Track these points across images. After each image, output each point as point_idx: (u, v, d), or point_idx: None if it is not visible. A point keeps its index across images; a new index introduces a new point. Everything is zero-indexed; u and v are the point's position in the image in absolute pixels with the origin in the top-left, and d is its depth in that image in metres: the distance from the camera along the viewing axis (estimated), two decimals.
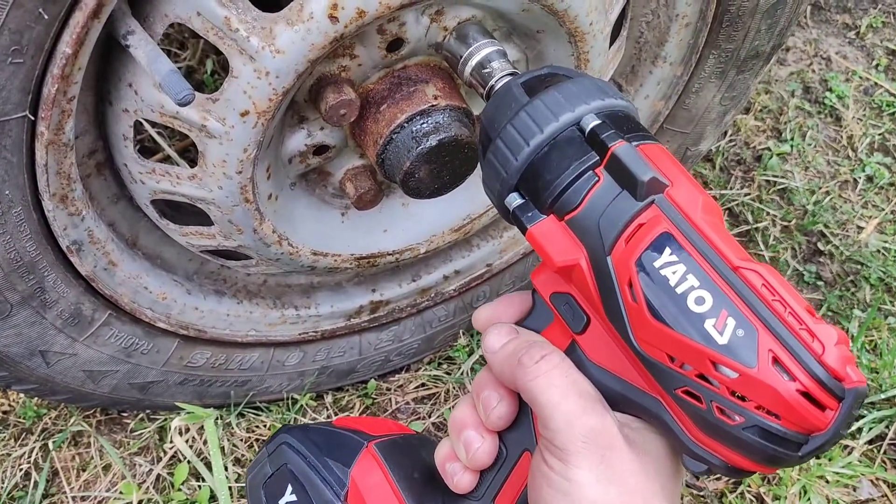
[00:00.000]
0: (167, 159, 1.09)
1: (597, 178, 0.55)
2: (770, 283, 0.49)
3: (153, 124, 1.04)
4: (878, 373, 1.29)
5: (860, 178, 1.60)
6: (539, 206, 0.57)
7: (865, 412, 1.25)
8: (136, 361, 0.98)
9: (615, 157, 0.54)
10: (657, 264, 0.51)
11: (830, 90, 1.75)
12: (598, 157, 0.55)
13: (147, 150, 1.14)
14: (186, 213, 0.91)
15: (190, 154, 1.14)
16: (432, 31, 0.84)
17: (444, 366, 1.30)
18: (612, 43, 0.96)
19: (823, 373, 0.46)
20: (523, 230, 0.58)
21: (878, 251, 1.49)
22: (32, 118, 0.68)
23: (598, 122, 0.56)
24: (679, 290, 0.50)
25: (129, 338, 0.95)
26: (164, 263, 0.98)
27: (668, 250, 0.51)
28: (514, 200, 0.59)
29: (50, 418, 1.15)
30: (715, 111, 1.12)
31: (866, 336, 1.34)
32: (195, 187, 0.82)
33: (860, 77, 1.79)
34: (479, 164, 0.90)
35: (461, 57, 0.81)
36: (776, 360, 0.47)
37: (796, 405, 0.46)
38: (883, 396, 1.26)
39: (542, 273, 0.60)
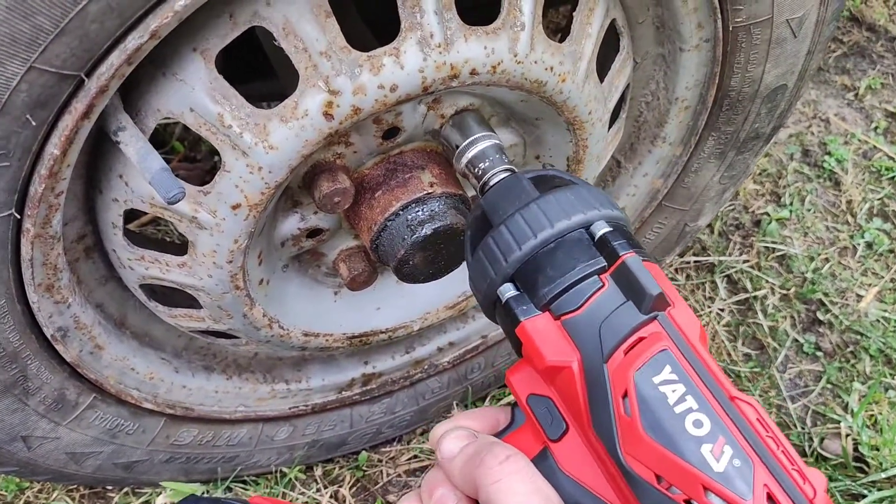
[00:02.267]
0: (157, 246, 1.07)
1: (601, 284, 0.54)
2: (763, 417, 0.49)
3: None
4: (878, 450, 1.27)
5: (860, 244, 1.59)
6: (534, 301, 0.56)
7: (866, 492, 1.23)
8: (120, 442, 0.96)
9: (625, 266, 0.53)
10: (656, 380, 0.50)
11: (829, 153, 1.74)
12: (605, 264, 0.55)
13: (134, 224, 1.13)
14: (176, 292, 0.89)
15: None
16: (429, 119, 0.83)
17: None
18: (611, 124, 0.95)
19: None
20: (514, 322, 0.56)
21: (878, 321, 1.47)
22: (18, 216, 0.66)
23: (609, 228, 0.56)
24: (677, 409, 0.49)
25: (115, 419, 0.93)
26: (152, 341, 0.96)
27: (668, 368, 0.50)
28: (507, 290, 0.57)
29: (32, 492, 1.12)
30: (714, 189, 1.11)
31: (866, 411, 1.32)
32: (184, 275, 0.80)
33: (859, 140, 1.78)
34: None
35: (457, 147, 0.80)
36: (770, 497, 0.46)
37: None
38: (883, 475, 1.24)
39: (519, 372, 0.58)
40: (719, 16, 0.86)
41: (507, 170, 0.74)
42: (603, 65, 0.88)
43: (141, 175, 0.69)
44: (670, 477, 0.48)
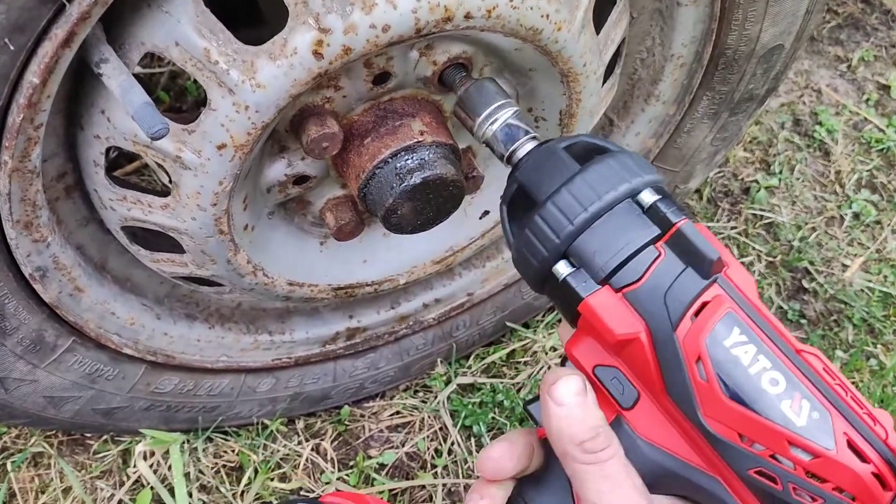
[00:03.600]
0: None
1: (658, 253, 0.54)
2: (828, 366, 0.51)
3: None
4: None
5: (847, 214, 1.59)
6: (592, 275, 0.55)
7: None
8: (100, 388, 0.95)
9: (681, 233, 0.53)
10: (727, 343, 0.51)
11: (820, 124, 1.73)
12: (659, 232, 0.54)
13: (119, 173, 1.11)
14: (160, 234, 0.87)
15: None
16: (421, 65, 0.81)
17: (421, 394, 1.27)
18: (605, 80, 0.94)
19: (891, 455, 0.49)
20: (576, 299, 0.55)
21: (863, 290, 1.48)
22: None
23: (657, 196, 0.55)
24: (752, 370, 0.50)
25: (94, 364, 0.92)
26: (133, 287, 0.95)
27: (736, 330, 0.51)
28: (564, 268, 0.56)
29: (10, 437, 1.11)
30: (706, 151, 1.10)
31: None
32: (168, 217, 0.78)
33: (850, 111, 1.78)
34: (463, 202, 0.89)
35: (479, 116, 0.73)
36: (850, 444, 0.49)
37: (872, 487, 0.48)
38: None
39: (580, 343, 0.57)
40: None
41: (533, 138, 0.69)
42: (599, 19, 0.86)
43: (123, 109, 0.67)
44: (753, 435, 0.50)
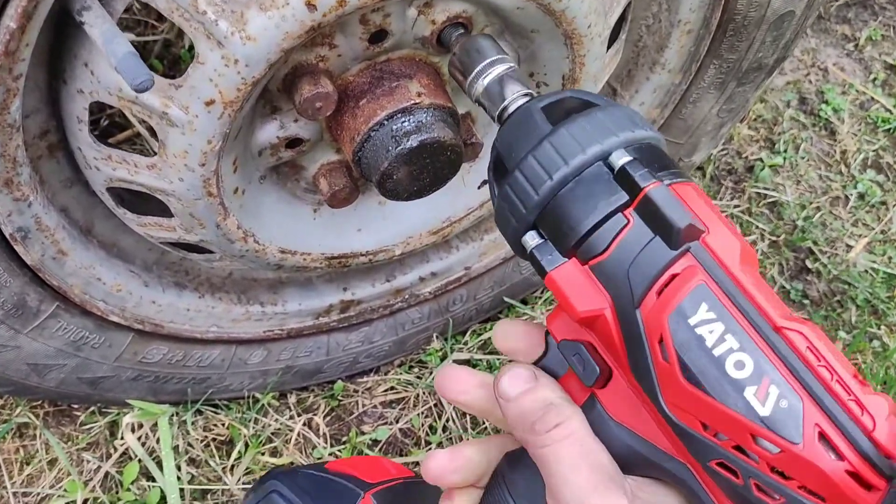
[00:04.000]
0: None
1: (626, 221, 0.50)
2: (815, 345, 0.45)
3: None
4: None
5: (852, 194, 1.56)
6: (560, 247, 0.52)
7: None
8: (85, 356, 0.92)
9: (648, 199, 0.49)
10: (692, 321, 0.46)
11: (826, 102, 1.70)
12: (627, 198, 0.50)
13: (106, 132, 1.08)
14: (148, 199, 0.84)
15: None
16: (419, 24, 0.78)
17: (416, 369, 1.25)
18: (609, 46, 0.90)
19: (874, 451, 0.42)
20: (542, 273, 0.53)
21: (866, 271, 1.45)
22: None
23: (628, 158, 0.51)
24: (716, 351, 0.45)
25: (79, 331, 0.89)
26: (120, 252, 0.92)
27: (704, 306, 0.46)
28: (532, 240, 0.53)
29: None
30: (711, 123, 1.07)
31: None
32: (154, 177, 0.76)
33: (857, 91, 1.75)
34: (460, 170, 0.86)
35: (471, 73, 0.71)
36: (823, 436, 0.43)
37: (843, 487, 0.42)
38: None
39: (558, 318, 0.55)
40: None
41: (525, 95, 0.66)
42: None
43: (106, 60, 0.64)
44: (716, 424, 0.46)
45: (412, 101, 0.79)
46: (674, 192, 0.50)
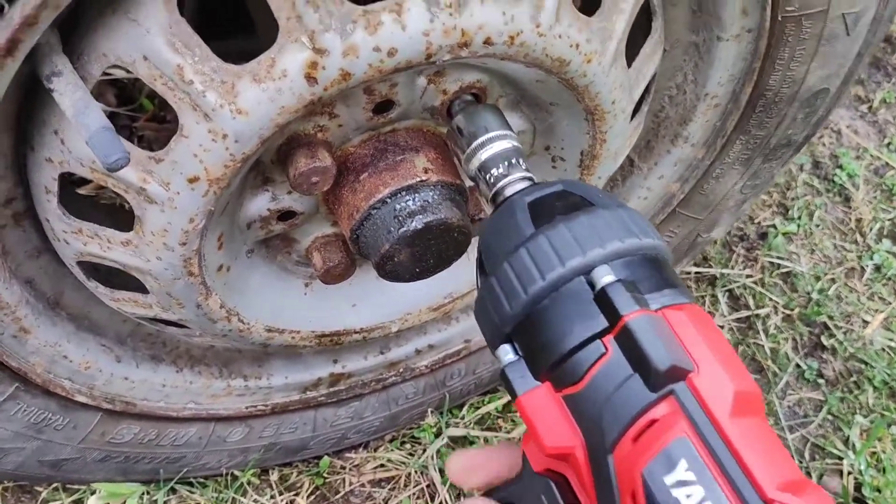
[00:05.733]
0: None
1: (604, 351, 0.44)
2: None
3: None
4: (880, 491, 1.18)
5: (868, 266, 1.50)
6: (534, 367, 0.46)
7: None
8: (47, 438, 0.84)
9: (627, 330, 0.43)
10: (668, 481, 0.40)
11: (841, 167, 1.65)
12: (607, 324, 0.44)
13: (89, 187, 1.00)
14: (122, 272, 0.77)
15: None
16: (429, 94, 0.71)
17: (408, 446, 1.17)
18: (631, 118, 0.84)
19: None
20: (513, 395, 0.47)
21: (884, 349, 1.38)
22: None
23: (611, 278, 0.45)
24: None
25: (41, 412, 0.81)
26: (92, 325, 0.84)
27: (683, 463, 0.40)
28: (505, 354, 0.47)
29: None
30: (734, 199, 1.01)
31: (869, 448, 1.23)
32: (129, 255, 0.68)
33: (871, 155, 1.69)
34: (468, 250, 0.79)
35: (468, 147, 0.66)
36: None
37: None
38: None
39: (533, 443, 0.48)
40: (769, 2, 0.75)
41: (524, 179, 0.61)
42: (630, 51, 0.77)
43: (77, 132, 0.57)
44: None
45: (418, 178, 0.72)
46: (661, 322, 0.43)
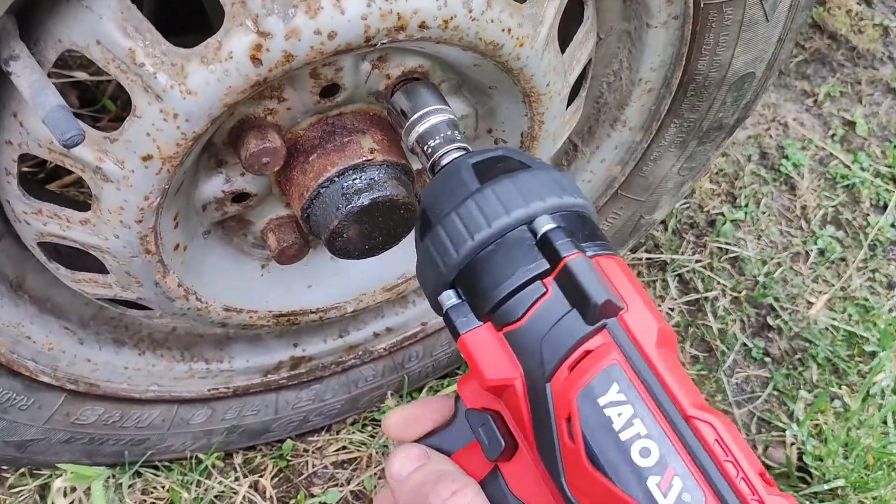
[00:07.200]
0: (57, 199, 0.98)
1: (544, 290, 0.48)
2: (723, 438, 0.43)
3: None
4: (822, 460, 1.24)
5: (812, 250, 1.56)
6: (476, 310, 0.50)
7: (808, 503, 1.19)
8: (12, 418, 0.87)
9: (567, 270, 0.47)
10: (602, 402, 0.44)
11: (787, 157, 1.71)
12: (548, 266, 0.49)
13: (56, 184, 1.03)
14: (83, 253, 0.80)
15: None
16: (373, 79, 0.76)
17: (369, 428, 1.20)
18: (569, 103, 0.89)
19: None
20: (455, 335, 0.51)
21: (827, 329, 1.45)
22: None
23: (552, 225, 0.49)
24: (623, 436, 0.43)
25: (5, 392, 0.84)
26: (55, 308, 0.87)
27: (615, 387, 0.44)
28: (448, 299, 0.52)
29: None
30: (672, 181, 1.06)
31: (811, 420, 1.29)
32: (88, 234, 0.71)
33: (816, 146, 1.76)
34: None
35: (407, 120, 0.72)
36: None
37: None
38: (826, 487, 1.20)
39: (470, 383, 0.52)
40: None
41: (459, 148, 0.66)
42: (564, 39, 0.82)
43: (34, 112, 0.60)
44: None
45: (364, 158, 0.76)
46: (595, 265, 0.48)
